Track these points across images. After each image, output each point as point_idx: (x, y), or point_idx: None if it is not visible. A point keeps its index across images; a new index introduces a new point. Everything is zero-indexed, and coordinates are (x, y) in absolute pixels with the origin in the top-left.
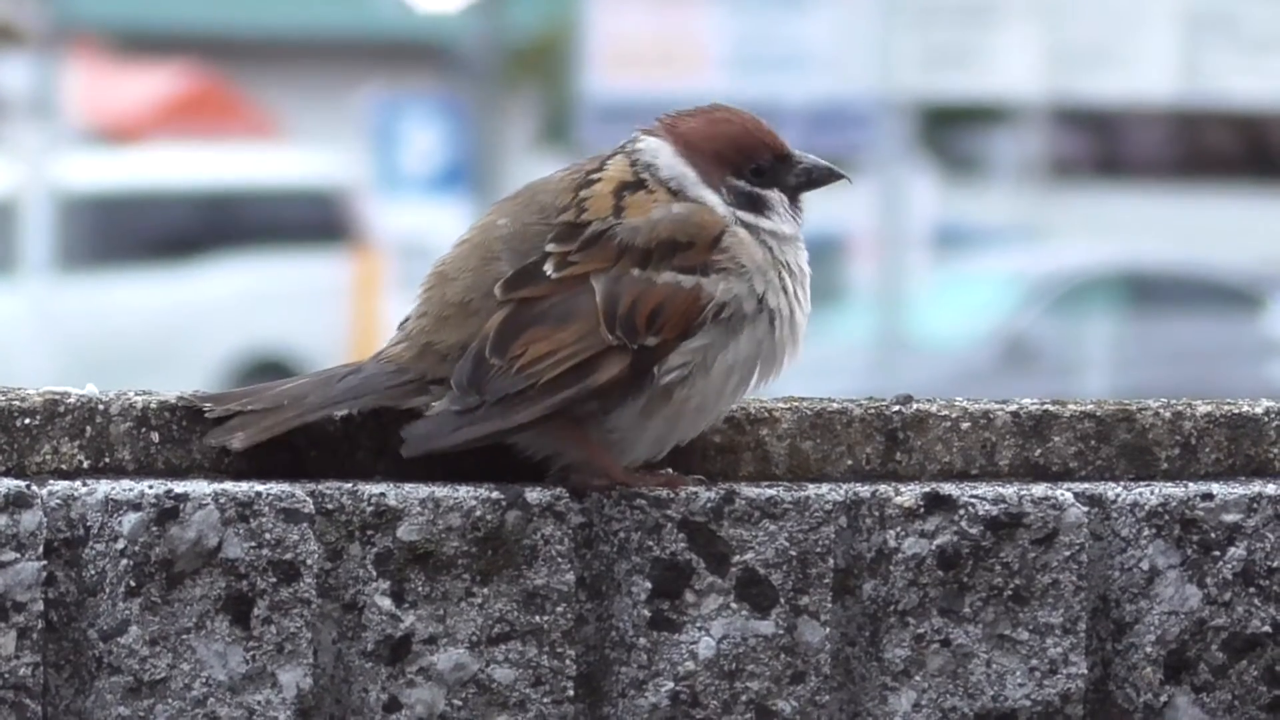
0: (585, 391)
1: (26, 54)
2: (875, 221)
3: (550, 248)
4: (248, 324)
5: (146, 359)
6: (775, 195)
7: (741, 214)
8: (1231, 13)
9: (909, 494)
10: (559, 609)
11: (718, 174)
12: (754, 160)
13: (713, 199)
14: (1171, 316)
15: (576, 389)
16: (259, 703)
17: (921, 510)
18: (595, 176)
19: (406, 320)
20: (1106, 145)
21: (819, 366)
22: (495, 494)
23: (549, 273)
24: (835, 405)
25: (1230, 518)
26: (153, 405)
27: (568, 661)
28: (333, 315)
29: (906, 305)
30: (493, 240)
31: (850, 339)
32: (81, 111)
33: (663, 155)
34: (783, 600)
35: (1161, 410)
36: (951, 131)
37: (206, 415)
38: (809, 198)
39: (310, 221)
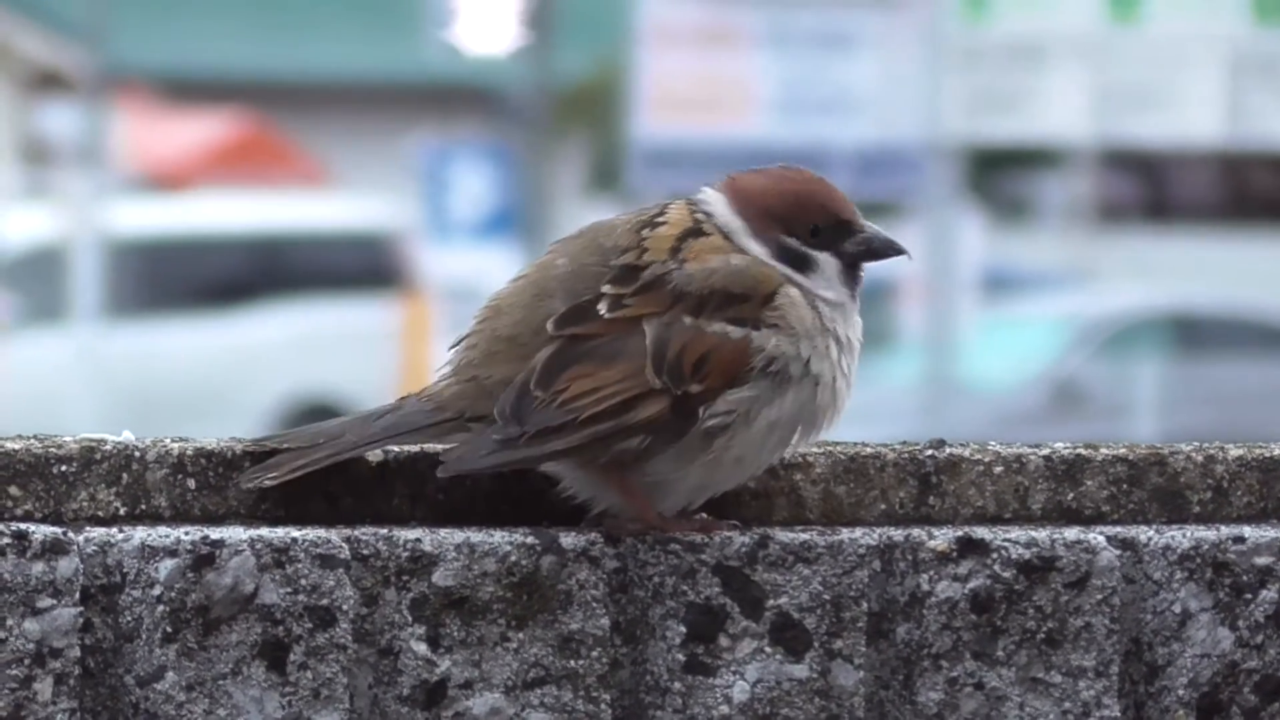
0: (620, 426)
1: (75, 100)
2: (923, 265)
3: (606, 289)
4: (297, 369)
5: (195, 405)
6: (827, 259)
7: (785, 270)
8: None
9: (942, 538)
10: (594, 653)
11: (769, 229)
12: (811, 221)
13: (757, 250)
14: (1220, 359)
15: (612, 423)
16: None
17: (955, 554)
18: (660, 221)
19: (454, 351)
20: (1154, 188)
21: (867, 411)
22: (530, 539)
23: (602, 312)
24: (869, 450)
25: (1262, 561)
26: (189, 452)
27: (603, 706)
28: (382, 360)
29: (955, 349)
30: (549, 279)
31: (899, 382)
32: (129, 158)
33: (717, 205)
34: (817, 644)
35: (1193, 454)
36: (999, 175)
37: (243, 460)
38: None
39: (359, 267)
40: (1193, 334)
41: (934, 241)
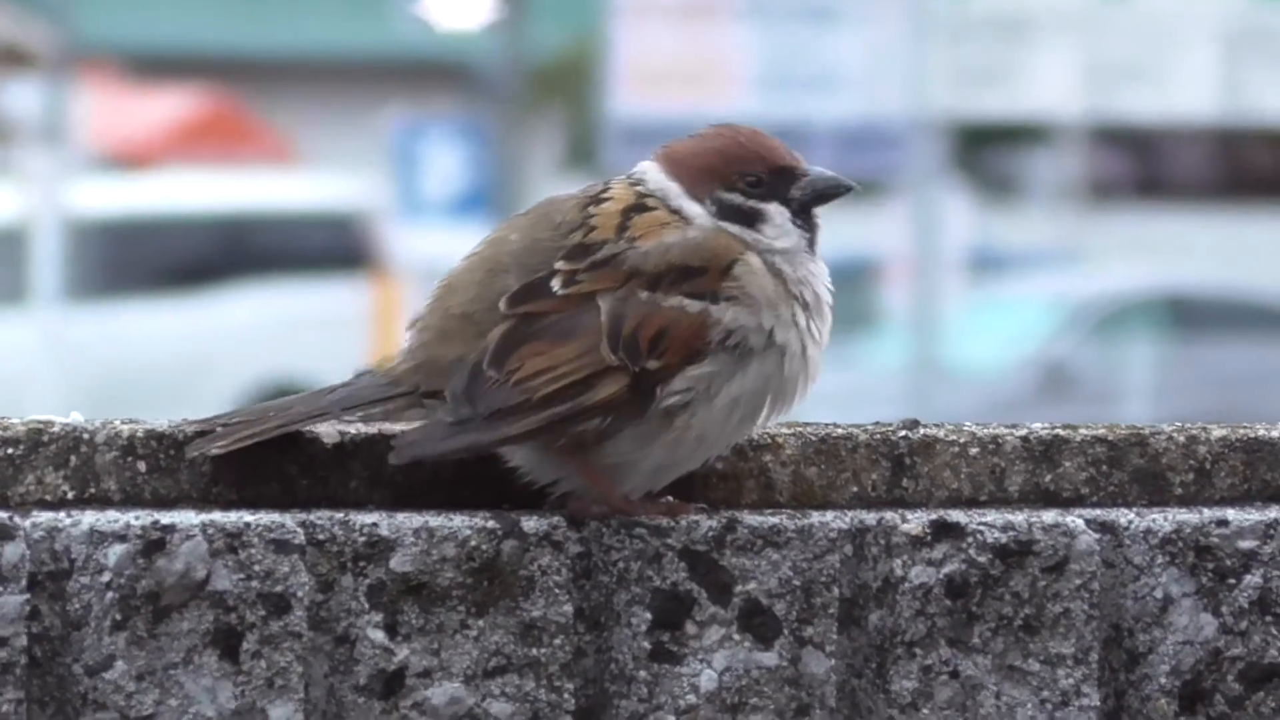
0: (579, 408)
1: (37, 77)
2: (908, 245)
3: (559, 265)
4: (265, 353)
5: (160, 390)
6: (774, 209)
7: (728, 226)
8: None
9: (916, 521)
10: (556, 641)
11: (704, 187)
12: (747, 173)
13: (695, 210)
14: (1215, 341)
15: (570, 404)
16: None
17: (929, 538)
18: (605, 197)
19: (410, 331)
20: (1146, 165)
21: (850, 395)
22: (491, 523)
23: (555, 289)
24: (840, 430)
25: (1246, 544)
26: (139, 434)
27: (566, 695)
28: (353, 343)
29: (941, 331)
30: (502, 255)
31: (883, 366)
32: (93, 136)
33: (651, 173)
34: (786, 631)
35: (1175, 434)
36: (986, 152)
37: (186, 433)
38: (836, 217)
39: (329, 247)
40: (1187, 315)
41: (919, 220)
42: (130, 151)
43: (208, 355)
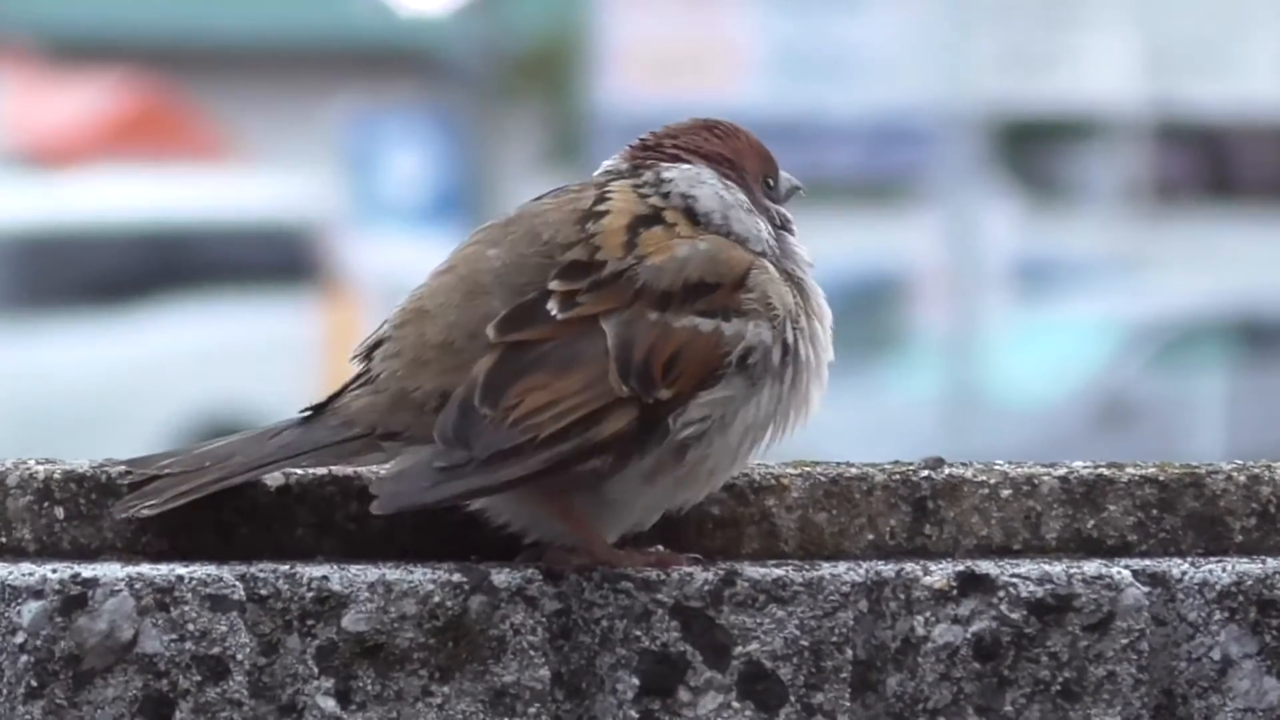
0: (585, 446)
1: None
2: (943, 257)
3: (554, 285)
4: (200, 381)
5: (81, 423)
6: (783, 212)
7: (771, 240)
8: None
9: (940, 573)
10: (531, 710)
11: (760, 195)
12: (770, 175)
13: (760, 228)
14: None
15: (576, 442)
16: None
17: (954, 592)
18: (601, 209)
19: (369, 360)
20: (1216, 164)
21: (870, 430)
22: (456, 576)
23: (553, 312)
24: (854, 470)
25: None
26: (56, 475)
27: None
28: (300, 370)
29: (980, 356)
30: (480, 273)
31: (912, 396)
32: (4, 131)
33: (707, 182)
34: (793, 698)
35: (1235, 474)
36: (1034, 149)
37: (120, 482)
38: (856, 224)
39: (274, 261)
40: (1263, 337)
41: (955, 228)
42: (46, 148)
43: (135, 383)
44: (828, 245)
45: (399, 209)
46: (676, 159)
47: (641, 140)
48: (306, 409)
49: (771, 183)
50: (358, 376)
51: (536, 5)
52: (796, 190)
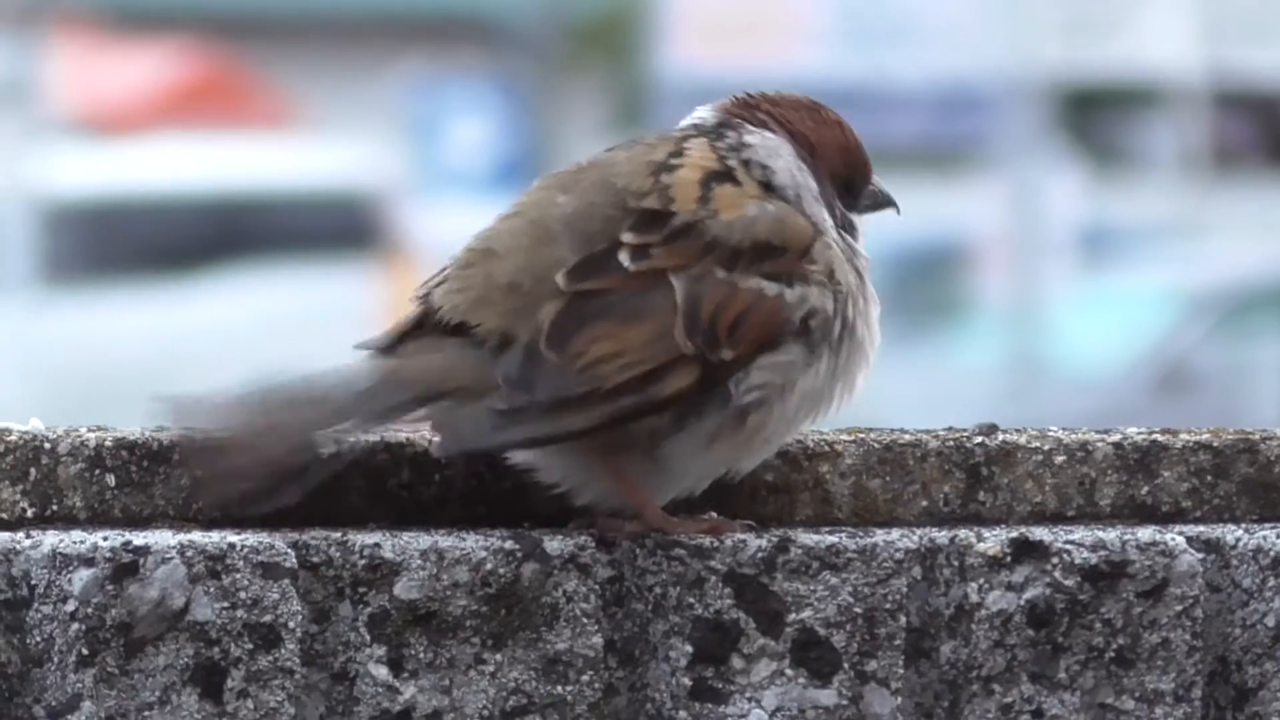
0: (647, 402)
1: (2, 33)
2: (1006, 225)
3: (626, 236)
4: (263, 350)
5: (144, 391)
6: (857, 219)
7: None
8: None
9: (994, 540)
10: (584, 677)
11: (831, 190)
12: (854, 179)
13: (825, 219)
14: None
15: (639, 397)
16: None
17: (1008, 559)
18: (677, 162)
19: (427, 301)
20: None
21: (935, 397)
22: (509, 544)
23: (624, 263)
24: (908, 437)
25: None
26: (108, 443)
27: None
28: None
29: (1042, 325)
30: (550, 219)
31: (974, 365)
32: (66, 100)
33: (784, 157)
34: (846, 665)
35: None
36: (1098, 117)
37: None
38: (919, 192)
39: (336, 229)
40: None
41: (1018, 196)
42: (108, 117)
43: (196, 352)
44: (890, 214)
45: (462, 177)
46: (765, 125)
47: (742, 96)
48: (364, 346)
49: (854, 187)
50: (417, 317)
51: None
52: (884, 207)
